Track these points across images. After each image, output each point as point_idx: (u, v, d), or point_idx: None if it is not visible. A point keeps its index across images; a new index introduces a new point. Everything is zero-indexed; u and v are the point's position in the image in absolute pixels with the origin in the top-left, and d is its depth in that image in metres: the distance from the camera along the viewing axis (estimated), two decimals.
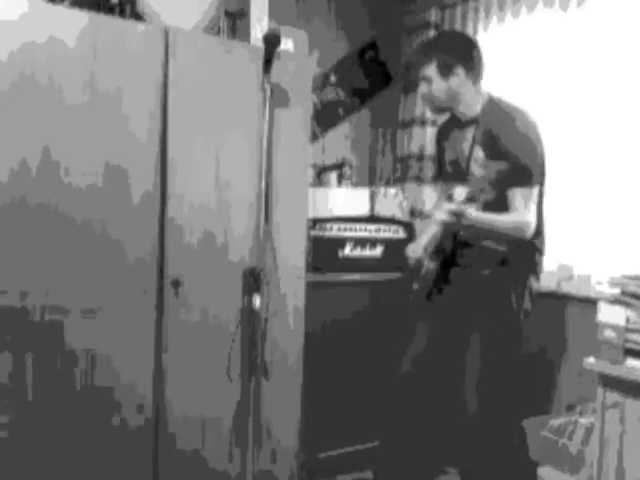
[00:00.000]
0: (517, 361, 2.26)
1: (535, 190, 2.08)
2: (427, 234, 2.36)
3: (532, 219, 2.07)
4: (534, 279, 2.20)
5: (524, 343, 2.26)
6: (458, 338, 2.19)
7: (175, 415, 2.09)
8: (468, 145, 2.18)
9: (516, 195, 2.04)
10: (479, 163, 2.13)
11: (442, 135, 2.40)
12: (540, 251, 2.21)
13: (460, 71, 2.15)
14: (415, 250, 2.34)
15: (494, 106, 2.15)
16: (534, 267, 2.21)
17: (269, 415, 2.27)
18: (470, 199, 1.91)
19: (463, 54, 2.17)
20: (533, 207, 2.08)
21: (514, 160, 2.03)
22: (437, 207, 2.12)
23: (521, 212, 2.05)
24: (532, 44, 2.85)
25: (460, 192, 1.91)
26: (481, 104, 2.17)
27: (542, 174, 2.14)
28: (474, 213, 1.95)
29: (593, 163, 2.61)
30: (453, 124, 2.31)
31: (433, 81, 2.17)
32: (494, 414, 2.13)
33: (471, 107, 2.18)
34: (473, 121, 2.18)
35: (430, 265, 2.26)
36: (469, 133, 2.19)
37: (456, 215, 1.94)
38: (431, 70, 2.17)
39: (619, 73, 2.51)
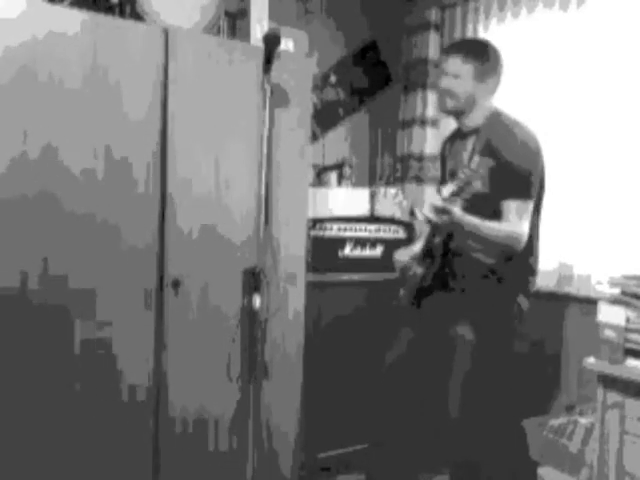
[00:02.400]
0: (505, 373, 2.24)
1: (530, 204, 2.05)
2: (420, 242, 2.35)
3: (525, 231, 2.03)
4: (524, 298, 2.16)
5: (515, 352, 2.24)
6: (444, 347, 2.17)
7: (175, 415, 2.09)
8: (467, 155, 2.17)
9: (510, 207, 2.02)
10: (479, 174, 2.12)
11: (446, 147, 2.40)
12: (533, 271, 2.18)
13: (490, 83, 2.16)
14: (402, 254, 2.33)
15: (496, 118, 2.14)
16: (525, 286, 2.17)
17: (269, 415, 2.28)
18: (455, 194, 1.89)
19: (499, 70, 2.19)
20: (527, 220, 2.04)
21: (512, 172, 2.01)
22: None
23: (514, 223, 2.02)
24: (532, 44, 2.85)
25: (447, 189, 1.90)
26: (485, 116, 2.16)
27: (541, 189, 2.12)
28: (459, 212, 1.92)
29: (593, 163, 2.61)
30: (456, 136, 2.32)
31: (463, 80, 2.14)
32: (478, 425, 2.11)
33: (476, 119, 2.17)
34: (474, 132, 2.17)
35: (417, 271, 2.24)
36: (469, 143, 2.19)
37: (442, 212, 1.91)
38: (466, 70, 2.13)
39: (619, 74, 2.52)
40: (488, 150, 2.07)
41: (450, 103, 2.19)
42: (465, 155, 2.19)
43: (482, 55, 2.16)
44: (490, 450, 2.16)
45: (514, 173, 2.02)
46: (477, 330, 2.09)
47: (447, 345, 2.14)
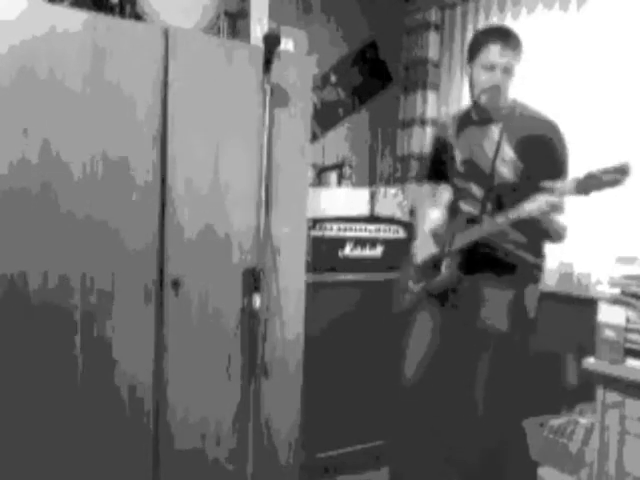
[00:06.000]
0: (524, 367, 2.25)
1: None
2: (423, 231, 2.31)
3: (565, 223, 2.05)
4: (539, 286, 2.20)
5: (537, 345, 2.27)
6: (469, 344, 2.16)
7: (175, 415, 2.09)
8: (493, 144, 2.09)
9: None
10: (510, 164, 2.06)
11: (448, 132, 2.28)
12: (544, 258, 2.21)
13: None
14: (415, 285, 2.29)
15: (523, 108, 2.09)
16: (540, 274, 2.20)
17: (269, 415, 2.27)
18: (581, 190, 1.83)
19: None
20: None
21: (548, 165, 2.00)
22: (531, 200, 1.90)
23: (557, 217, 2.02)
24: (532, 44, 2.84)
25: (565, 184, 1.84)
26: (507, 104, 2.09)
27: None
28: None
29: (593, 163, 2.60)
30: (466, 122, 2.21)
31: (512, 73, 2.03)
32: (497, 419, 2.12)
33: (502, 108, 2.09)
34: (496, 119, 2.09)
35: (449, 265, 2.16)
36: (492, 132, 2.10)
37: (554, 208, 1.88)
38: (515, 62, 2.02)
39: (619, 74, 2.52)
40: (521, 142, 2.03)
41: (494, 101, 2.05)
42: (487, 144, 2.11)
43: (520, 43, 2.05)
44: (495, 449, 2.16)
45: (551, 166, 2.00)
46: (515, 325, 2.10)
47: (477, 340, 2.13)
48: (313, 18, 3.19)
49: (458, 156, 2.23)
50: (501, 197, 2.08)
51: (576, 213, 2.65)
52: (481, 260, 2.12)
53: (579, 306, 2.64)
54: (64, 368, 1.89)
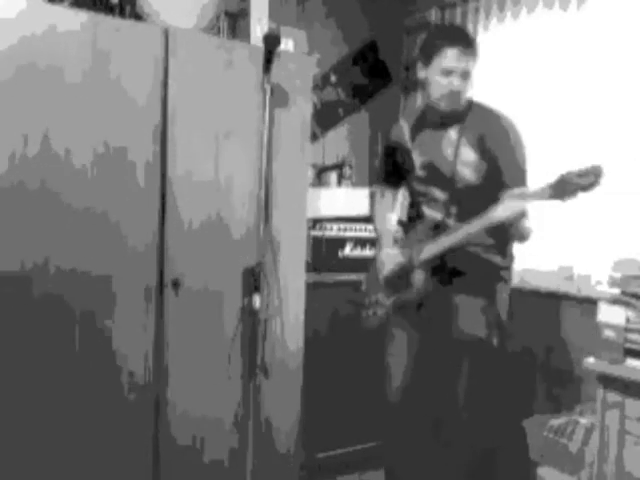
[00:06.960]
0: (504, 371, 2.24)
1: None
2: (387, 235, 2.27)
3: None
4: (509, 287, 2.18)
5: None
6: (447, 354, 2.14)
7: (175, 415, 2.09)
8: (452, 147, 2.05)
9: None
10: (471, 166, 2.03)
11: (403, 137, 2.22)
12: (513, 259, 2.20)
13: None
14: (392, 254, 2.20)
15: (479, 108, 2.06)
16: (509, 276, 2.18)
17: (269, 415, 2.27)
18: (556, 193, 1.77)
19: None
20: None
21: (510, 163, 1.99)
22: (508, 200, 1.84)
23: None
24: (531, 45, 2.85)
25: (538, 190, 1.79)
26: (464, 105, 2.04)
27: None
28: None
29: (592, 164, 2.61)
30: (421, 125, 2.16)
31: (471, 77, 1.98)
32: (482, 423, 2.12)
33: (459, 110, 2.05)
34: (454, 121, 2.04)
35: (420, 276, 2.08)
36: (451, 134, 2.05)
37: (525, 214, 1.87)
38: (473, 64, 1.97)
39: (618, 74, 2.52)
40: (480, 142, 2.00)
41: (453, 105, 2.00)
42: (447, 147, 2.06)
43: (476, 45, 2.01)
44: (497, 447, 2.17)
45: (512, 163, 1.98)
46: (490, 329, 2.08)
47: (454, 349, 2.11)
48: (313, 18, 3.19)
49: (417, 160, 2.17)
50: (465, 200, 2.04)
51: (576, 214, 2.67)
52: (450, 266, 2.07)
53: (578, 306, 2.63)
54: (63, 363, 1.89)
